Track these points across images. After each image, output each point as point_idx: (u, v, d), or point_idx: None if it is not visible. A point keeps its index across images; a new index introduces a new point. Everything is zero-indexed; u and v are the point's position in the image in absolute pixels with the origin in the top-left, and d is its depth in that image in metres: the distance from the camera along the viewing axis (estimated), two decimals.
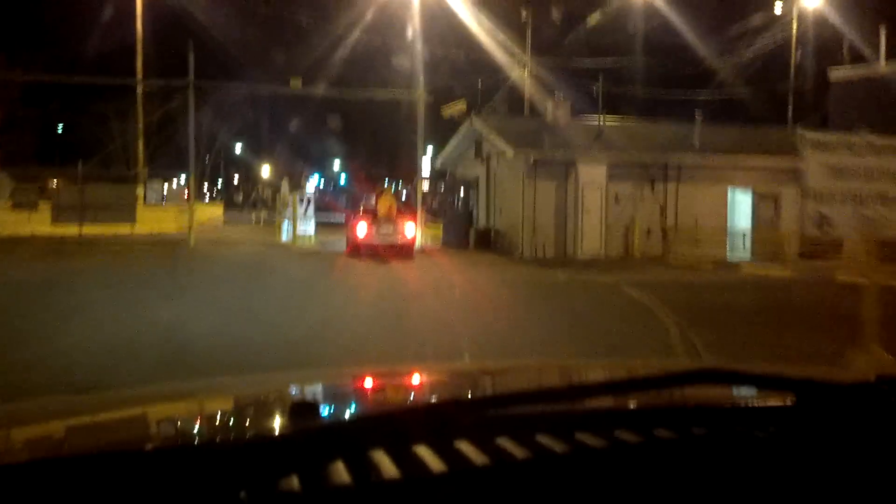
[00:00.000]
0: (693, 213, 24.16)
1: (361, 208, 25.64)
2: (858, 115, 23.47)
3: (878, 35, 28.58)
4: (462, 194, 28.47)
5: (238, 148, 66.56)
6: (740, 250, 23.89)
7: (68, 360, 8.03)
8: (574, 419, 1.23)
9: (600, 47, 36.50)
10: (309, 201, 27.80)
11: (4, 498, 0.93)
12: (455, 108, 26.88)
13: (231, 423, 1.66)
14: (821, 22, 35.06)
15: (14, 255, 20.95)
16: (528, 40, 34.85)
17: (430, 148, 33.50)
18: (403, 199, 44.09)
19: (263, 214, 43.57)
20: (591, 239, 23.47)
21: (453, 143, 28.43)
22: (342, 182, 71.25)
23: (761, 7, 36.29)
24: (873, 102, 23.31)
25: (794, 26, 36.16)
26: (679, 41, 34.56)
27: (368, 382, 2.04)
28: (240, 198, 67.89)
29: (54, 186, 27.97)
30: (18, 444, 1.41)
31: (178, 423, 1.65)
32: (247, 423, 1.64)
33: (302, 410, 1.31)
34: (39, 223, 27.24)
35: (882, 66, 24.41)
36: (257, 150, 63.63)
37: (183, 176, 41.52)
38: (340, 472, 1.00)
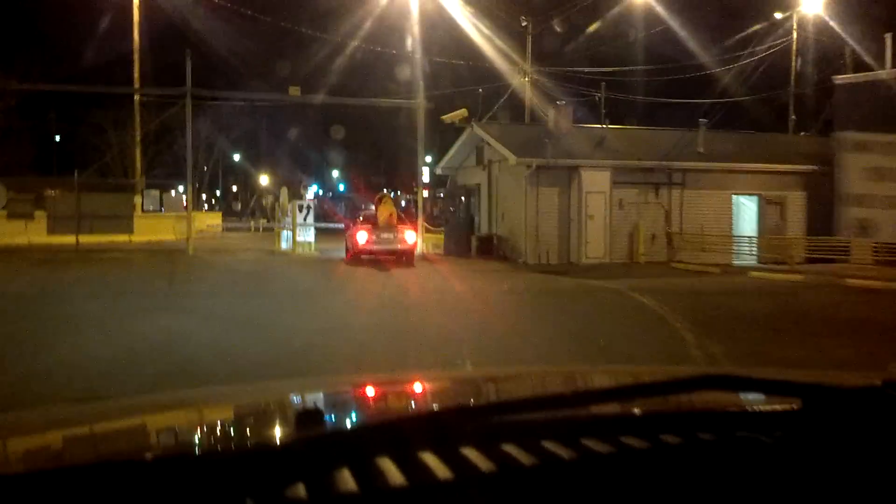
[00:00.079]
0: (698, 218, 24.03)
1: (361, 216, 25.43)
2: (864, 120, 23.21)
3: (878, 41, 28.47)
4: (463, 201, 28.29)
5: (237, 157, 66.45)
6: (746, 255, 23.70)
7: (67, 371, 7.76)
8: (580, 425, 1.22)
9: (601, 55, 36.35)
10: (309, 209, 27.59)
11: None
12: (456, 115, 26.63)
13: (236, 432, 1.66)
14: (822, 28, 34.92)
15: (9, 265, 20.66)
16: (529, 48, 34.66)
17: (428, 157, 33.21)
18: (403, 206, 43.90)
19: (262, 222, 43.38)
20: (595, 245, 23.26)
21: (454, 150, 28.23)
22: (341, 190, 71.16)
23: (762, 14, 36.16)
24: (879, 108, 23.04)
25: (794, 33, 36.02)
26: (679, 48, 34.41)
27: (373, 390, 2.05)
28: (238, 206, 67.76)
29: (50, 196, 27.58)
30: (24, 455, 1.41)
31: (184, 431, 1.65)
32: (252, 431, 1.64)
33: (307, 418, 1.30)
34: (36, 233, 27.00)
35: (888, 71, 24.13)
36: (256, 158, 63.54)
37: (181, 185, 41.22)
38: (346, 479, 1.00)
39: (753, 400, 1.53)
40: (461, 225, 27.36)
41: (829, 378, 1.87)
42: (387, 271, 20.69)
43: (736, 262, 23.04)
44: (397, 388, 2.10)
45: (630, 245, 23.84)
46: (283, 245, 28.29)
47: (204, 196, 66.84)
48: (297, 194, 34.54)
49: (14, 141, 44.08)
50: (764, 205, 25.04)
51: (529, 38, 34.47)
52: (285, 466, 1.02)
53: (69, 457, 1.38)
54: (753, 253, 23.78)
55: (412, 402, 2.00)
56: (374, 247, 22.63)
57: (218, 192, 75.75)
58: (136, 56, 33.58)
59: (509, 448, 1.11)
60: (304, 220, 27.34)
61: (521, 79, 33.88)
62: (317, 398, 1.94)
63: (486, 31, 31.52)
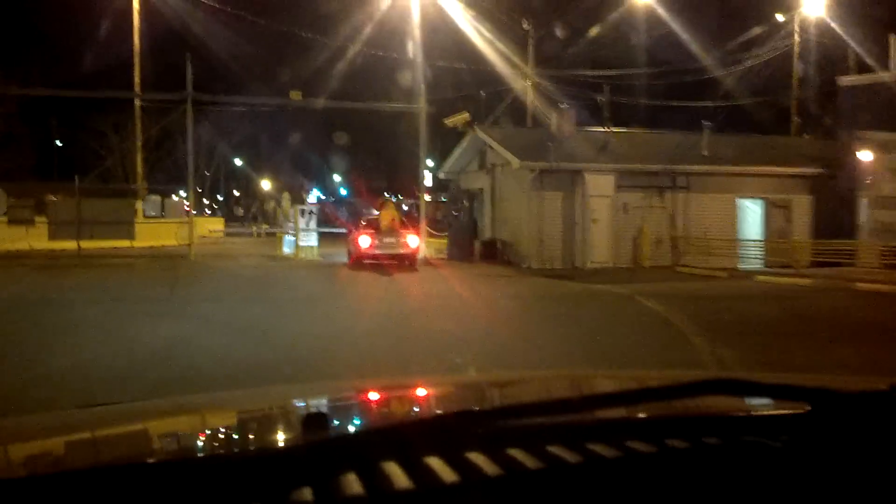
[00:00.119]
0: (703, 222, 23.90)
1: (364, 220, 25.29)
2: (869, 122, 23.08)
3: (880, 43, 28.33)
4: (466, 206, 28.15)
5: (238, 161, 66.35)
6: (751, 259, 23.55)
7: (66, 378, 7.63)
8: (585, 429, 1.21)
9: (603, 59, 36.18)
10: (311, 213, 27.45)
11: None
12: (458, 118, 26.50)
13: (243, 436, 1.66)
14: (824, 31, 34.78)
15: (10, 270, 20.51)
16: (531, 51, 34.53)
17: (429, 161, 33.07)
18: (405, 210, 43.75)
19: (264, 227, 43.29)
20: (599, 249, 23.10)
21: (457, 154, 28.12)
22: (343, 194, 71.03)
23: (764, 17, 36.02)
24: (884, 109, 22.91)
25: (796, 35, 35.88)
26: (681, 51, 34.26)
27: (379, 394, 2.06)
28: (240, 211, 67.64)
29: (51, 202, 27.44)
30: (36, 458, 1.41)
31: (191, 436, 1.65)
32: (259, 436, 1.64)
33: (313, 423, 1.28)
34: (37, 239, 26.83)
35: (893, 73, 23.99)
36: (258, 163, 63.44)
37: (183, 190, 41.11)
38: (353, 483, 1.00)
39: (759, 404, 1.55)
40: (464, 229, 27.21)
41: (835, 382, 1.86)
42: (390, 276, 20.54)
43: (741, 266, 22.89)
44: (402, 393, 2.10)
45: (634, 249, 23.69)
46: (286, 250, 28.16)
47: (206, 201, 66.81)
48: (299, 199, 34.40)
49: (15, 146, 44.04)
50: (769, 208, 24.89)
51: (531, 42, 34.34)
52: (292, 471, 1.02)
53: (77, 461, 1.39)
54: (759, 257, 23.64)
55: (418, 407, 1.99)
56: (377, 251, 22.57)
57: (220, 197, 75.77)
58: (136, 61, 33.47)
59: (515, 452, 1.11)
60: (307, 224, 27.21)
61: (523, 82, 33.74)
62: (323, 403, 1.95)
63: (488, 35, 31.40)
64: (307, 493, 0.98)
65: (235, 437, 1.65)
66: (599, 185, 23.07)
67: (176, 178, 44.48)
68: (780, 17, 35.86)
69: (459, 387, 2.31)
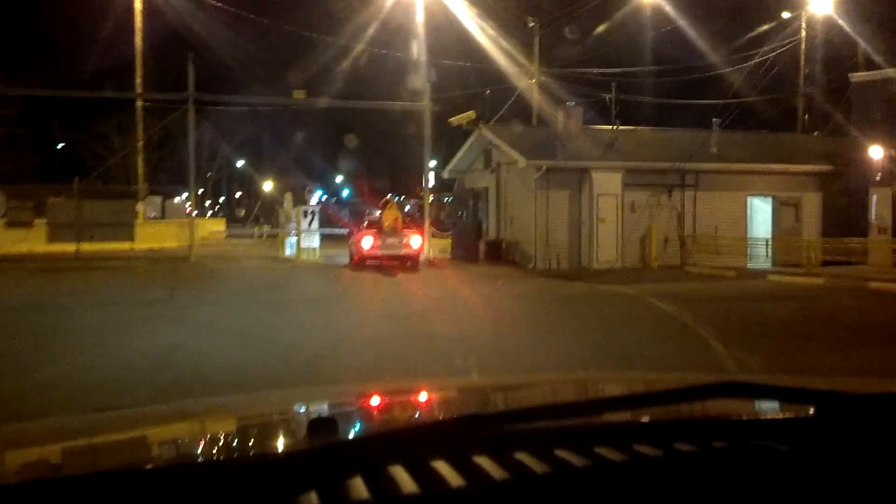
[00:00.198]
0: (712, 221, 23.55)
1: (366, 221, 24.97)
2: (882, 118, 22.72)
3: (887, 40, 27.95)
4: (471, 205, 27.84)
5: (240, 163, 66.09)
6: (760, 259, 23.20)
7: (62, 388, 7.30)
8: (593, 433, 1.21)
9: (609, 57, 35.83)
10: (313, 214, 27.13)
11: None
12: (464, 117, 26.13)
13: (250, 440, 1.65)
14: (831, 28, 34.40)
15: (6, 273, 20.21)
16: (537, 50, 34.18)
17: (433, 161, 32.68)
18: (407, 211, 43.44)
19: (266, 229, 43.04)
20: (606, 249, 22.73)
21: (461, 153, 27.77)
22: (345, 195, 70.76)
23: (771, 14, 35.63)
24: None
25: (803, 31, 35.51)
26: (687, 49, 33.91)
27: (385, 398, 2.05)
28: (242, 212, 67.43)
29: (51, 203, 27.18)
30: (43, 463, 1.41)
31: (197, 440, 1.64)
32: (265, 440, 1.63)
33: (320, 426, 1.27)
34: (36, 241, 26.61)
35: None
36: (260, 164, 63.18)
37: (185, 192, 40.82)
38: (359, 487, 1.00)
39: (768, 407, 1.54)
40: (469, 229, 26.87)
41: (843, 385, 1.85)
42: (393, 277, 20.24)
43: (750, 266, 22.56)
44: (408, 397, 2.10)
45: (642, 249, 23.34)
46: (288, 251, 27.88)
47: (208, 202, 66.60)
48: (301, 200, 34.09)
49: (17, 148, 43.90)
50: (779, 206, 24.52)
51: (537, 40, 33.98)
52: (298, 475, 1.01)
53: (86, 466, 1.39)
54: (768, 256, 23.28)
55: (424, 411, 1.98)
56: (380, 252, 22.33)
57: (222, 199, 75.55)
58: (138, 62, 33.21)
59: (522, 456, 1.11)
60: (309, 225, 26.91)
61: (528, 81, 33.38)
62: (329, 407, 1.94)
63: (492, 33, 31.07)
64: (314, 497, 0.98)
65: (242, 441, 1.63)
66: (606, 183, 22.71)
67: (178, 180, 44.24)
68: (786, 15, 35.47)
69: (466, 390, 2.29)
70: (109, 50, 35.84)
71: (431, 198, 29.74)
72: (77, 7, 48.77)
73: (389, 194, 33.74)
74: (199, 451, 1.52)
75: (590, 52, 35.80)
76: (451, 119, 26.56)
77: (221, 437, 1.67)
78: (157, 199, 38.07)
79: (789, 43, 35.16)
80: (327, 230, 29.35)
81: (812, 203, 24.51)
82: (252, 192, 69.12)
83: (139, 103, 34.11)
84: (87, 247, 25.22)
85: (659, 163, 23.28)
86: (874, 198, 22.53)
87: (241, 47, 41.87)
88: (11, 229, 27.46)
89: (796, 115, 35.47)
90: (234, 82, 44.65)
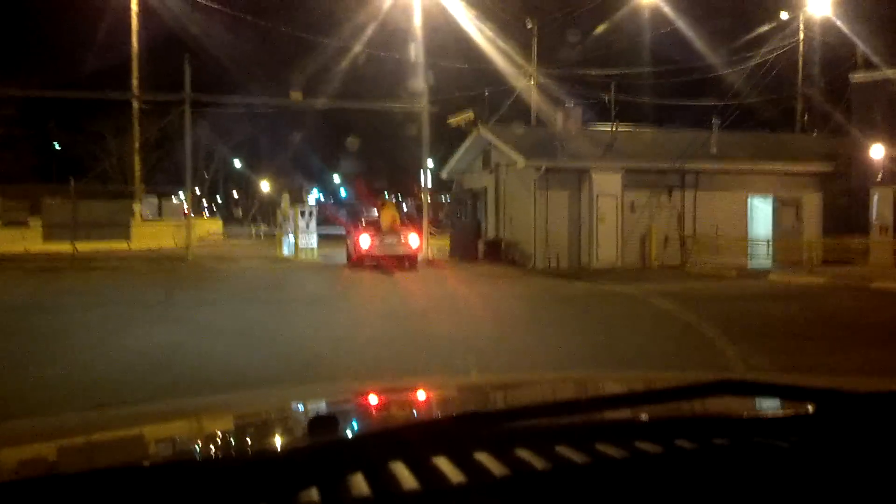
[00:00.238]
0: (712, 220, 23.44)
1: (364, 221, 24.84)
2: (882, 118, 22.63)
3: (885, 41, 27.87)
4: (469, 205, 27.73)
5: (238, 163, 65.92)
6: (761, 258, 23.09)
7: (55, 390, 7.15)
8: (593, 430, 1.21)
9: (607, 57, 35.72)
10: (311, 214, 26.99)
11: None
12: (462, 117, 26.02)
13: (251, 437, 1.64)
14: (829, 29, 34.31)
15: (2, 273, 20.05)
16: (535, 50, 34.05)
17: (430, 161, 32.54)
18: (405, 210, 43.33)
19: (264, 228, 42.90)
20: (606, 248, 22.62)
21: (460, 153, 27.64)
22: (343, 195, 70.64)
23: (771, 15, 35.53)
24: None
25: (801, 33, 35.43)
26: (686, 50, 33.80)
27: (386, 396, 2.05)
28: (239, 213, 67.27)
29: (46, 203, 27.07)
30: (43, 460, 1.41)
31: (198, 438, 1.63)
32: (266, 437, 1.63)
33: (321, 424, 1.27)
34: (32, 241, 26.48)
35: None
36: (257, 164, 62.98)
37: (182, 192, 40.66)
38: (360, 484, 1.00)
39: (767, 405, 1.54)
40: (468, 229, 26.76)
41: (844, 383, 1.84)
42: (392, 277, 20.11)
43: (751, 266, 22.45)
44: (409, 394, 2.09)
45: (642, 249, 23.23)
46: (285, 251, 27.74)
47: (205, 203, 66.41)
48: (298, 200, 33.95)
49: (14, 149, 43.76)
50: (779, 206, 24.42)
51: (535, 41, 33.86)
52: (299, 471, 1.01)
53: (88, 462, 1.38)
54: (769, 256, 23.18)
55: (425, 408, 1.97)
56: (377, 251, 22.24)
57: (219, 199, 75.33)
58: (134, 63, 33.06)
59: (523, 453, 1.10)
60: (307, 225, 26.77)
61: (526, 81, 33.25)
62: (330, 404, 1.93)
63: (491, 34, 30.92)
64: (315, 493, 0.97)
65: (244, 438, 1.63)
66: (606, 183, 22.60)
67: (175, 180, 44.05)
68: (784, 16, 35.37)
69: (466, 388, 2.28)
70: (106, 51, 35.52)
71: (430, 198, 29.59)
72: (74, 8, 48.63)
73: (386, 194, 33.56)
74: (200, 449, 1.51)
75: (588, 53, 35.68)
76: (450, 119, 26.46)
77: (223, 435, 1.66)
78: (154, 200, 37.88)
79: (788, 45, 35.08)
80: (325, 230, 29.22)
81: (812, 203, 24.42)
82: (250, 192, 68.92)
83: (136, 104, 33.97)
84: (84, 247, 25.07)
85: (659, 163, 23.15)
86: (875, 197, 22.43)
87: (239, 48, 41.70)
88: (7, 229, 27.33)
89: (797, 116, 35.36)
90: (231, 83, 44.52)
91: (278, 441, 1.53)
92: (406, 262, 22.47)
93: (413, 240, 22.90)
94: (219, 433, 1.67)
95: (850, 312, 13.22)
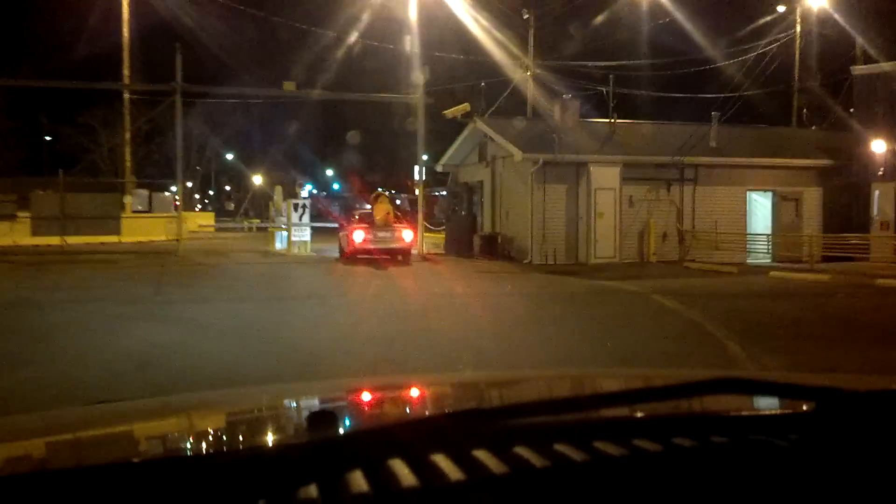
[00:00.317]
0: (711, 215, 23.20)
1: (357, 215, 24.50)
2: (884, 111, 22.34)
3: (883, 34, 27.64)
4: (465, 199, 27.37)
5: (230, 156, 65.39)
6: (760, 254, 22.82)
7: (32, 392, 6.79)
8: (592, 428, 1.20)
9: (604, 49, 35.36)
10: (304, 208, 26.60)
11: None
12: (458, 109, 25.59)
13: (249, 434, 1.65)
14: (829, 22, 34.03)
15: None
16: (531, 42, 33.66)
17: (424, 156, 32.14)
18: (398, 204, 42.94)
19: (256, 222, 42.49)
20: (604, 243, 22.29)
21: (455, 146, 27.28)
22: (335, 189, 70.19)
23: (769, 8, 35.22)
24: None
25: (798, 26, 35.13)
26: (684, 42, 33.47)
27: (385, 393, 2.04)
28: (232, 206, 66.81)
29: (35, 196, 26.66)
30: (41, 455, 1.40)
31: (198, 433, 1.63)
32: (265, 434, 1.63)
33: (320, 420, 1.27)
34: (21, 234, 26.08)
35: None
36: (249, 157, 62.46)
37: (174, 185, 40.25)
38: (359, 481, 0.99)
39: (766, 403, 1.54)
40: (463, 224, 26.40)
41: (843, 382, 1.84)
42: (386, 272, 19.77)
43: (750, 261, 22.19)
44: (408, 391, 2.08)
45: (640, 244, 22.94)
46: (278, 245, 27.35)
47: (197, 196, 65.89)
48: (291, 193, 33.54)
49: (2, 141, 43.27)
50: (779, 201, 24.15)
51: (532, 32, 33.47)
52: (298, 468, 1.01)
53: (88, 457, 1.36)
54: (768, 251, 22.91)
55: (424, 405, 1.97)
56: (371, 246, 21.95)
57: (211, 192, 74.77)
58: (125, 53, 32.60)
59: (521, 450, 1.10)
60: (300, 219, 26.37)
61: (523, 73, 32.85)
62: (329, 401, 1.92)
63: (487, 25, 30.52)
64: (313, 490, 0.97)
65: (242, 434, 1.63)
66: (604, 177, 22.26)
67: (166, 173, 43.64)
68: (782, 9, 35.07)
69: (465, 385, 2.28)
70: (97, 41, 35.11)
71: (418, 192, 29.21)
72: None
73: (379, 188, 33.15)
74: (199, 445, 1.51)
75: (586, 45, 35.31)
76: (446, 111, 26.02)
77: (223, 431, 1.65)
78: (144, 192, 37.43)
79: (785, 37, 34.77)
80: (318, 224, 28.85)
81: (812, 198, 24.16)
82: (242, 185, 68.39)
83: (126, 95, 33.53)
84: (73, 240, 24.74)
85: (658, 157, 22.84)
86: (876, 193, 22.17)
87: (231, 38, 41.18)
88: None
89: (794, 110, 35.08)
90: (224, 74, 43.97)
91: (277, 437, 1.53)
92: (399, 256, 22.20)
93: (406, 234, 22.64)
94: (219, 429, 1.66)
95: (861, 311, 12.82)
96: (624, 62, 34.70)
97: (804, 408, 1.32)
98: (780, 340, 9.46)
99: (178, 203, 30.46)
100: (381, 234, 22.18)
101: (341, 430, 1.32)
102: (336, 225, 28.22)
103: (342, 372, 7.63)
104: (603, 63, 33.24)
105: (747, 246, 23.18)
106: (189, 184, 52.15)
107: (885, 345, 9.24)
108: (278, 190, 30.36)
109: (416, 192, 29.41)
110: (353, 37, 29.98)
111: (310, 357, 8.59)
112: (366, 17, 28.53)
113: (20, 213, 27.26)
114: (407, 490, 0.99)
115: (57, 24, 49.27)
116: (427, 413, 1.80)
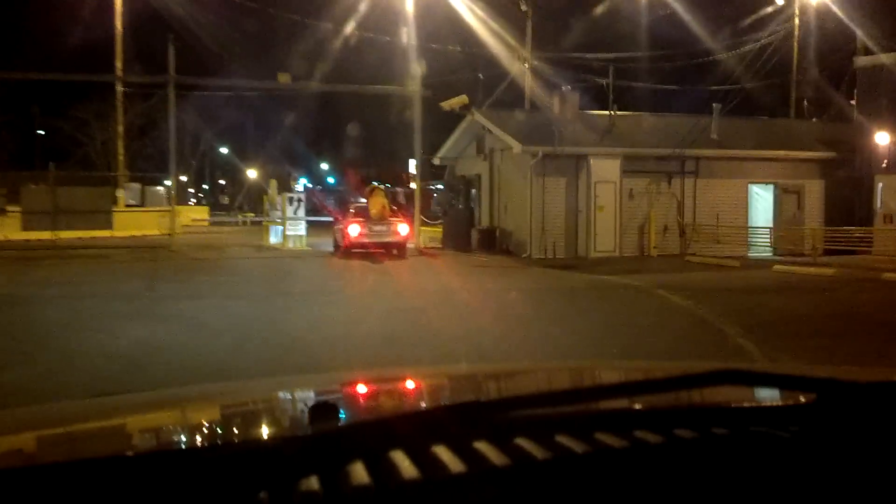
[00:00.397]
0: (712, 208, 22.91)
1: (352, 209, 24.17)
2: (887, 103, 22.06)
3: (882, 26, 27.42)
4: (462, 193, 27.03)
5: (224, 150, 65.00)
6: (761, 247, 22.54)
7: (16, 397, 6.43)
8: (593, 420, 1.21)
9: (604, 41, 35.01)
10: (299, 202, 26.24)
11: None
12: (456, 101, 25.21)
13: (251, 425, 1.65)
14: (828, 14, 33.73)
15: None
16: (529, 34, 33.27)
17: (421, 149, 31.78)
18: (393, 198, 42.60)
19: (250, 216, 42.15)
20: (604, 237, 21.99)
21: (453, 138, 26.92)
22: (330, 182, 69.84)
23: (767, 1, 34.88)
24: None
25: (797, 18, 34.85)
26: (684, 33, 33.14)
27: (386, 385, 2.05)
28: (226, 200, 66.42)
29: (25, 190, 26.32)
30: (42, 448, 1.39)
31: (198, 425, 1.62)
32: (267, 425, 1.63)
33: (320, 412, 1.26)
34: (11, 229, 25.72)
35: None
36: (244, 151, 62.09)
37: (167, 179, 39.89)
38: (360, 472, 0.99)
39: (768, 395, 1.52)
40: (461, 217, 26.05)
41: (844, 373, 1.83)
42: (382, 266, 19.46)
43: (752, 255, 21.91)
44: (409, 384, 2.07)
45: (641, 237, 22.63)
46: (273, 239, 26.98)
47: (191, 190, 65.49)
48: (286, 187, 33.16)
49: None
50: (780, 194, 23.86)
51: (530, 24, 33.08)
52: (299, 460, 1.00)
53: (89, 450, 1.35)
54: (769, 245, 22.63)
55: (425, 397, 1.96)
56: (366, 240, 21.74)
57: (205, 186, 74.35)
58: (118, 45, 32.17)
59: (522, 442, 1.10)
60: (295, 213, 26.02)
61: (521, 65, 32.48)
62: (329, 392, 1.91)
63: (484, 16, 30.11)
64: (314, 481, 0.97)
65: (243, 427, 1.61)
66: (604, 170, 21.94)
67: (160, 167, 43.24)
68: (780, 1, 34.74)
69: (466, 377, 2.28)
70: (90, 33, 34.75)
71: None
72: None
73: (375, 181, 32.80)
74: (200, 437, 1.50)
75: (585, 37, 34.95)
76: (443, 103, 25.65)
77: (224, 423, 1.65)
78: (137, 186, 37.05)
79: (783, 31, 34.46)
80: (313, 218, 28.52)
81: (814, 191, 23.89)
82: (236, 179, 68.01)
83: (119, 87, 33.13)
84: (65, 234, 24.37)
85: (658, 149, 22.51)
86: (879, 185, 21.89)
87: (226, 30, 40.73)
88: None
89: (796, 102, 34.79)
90: (218, 67, 43.52)
91: (278, 429, 1.52)
92: (394, 250, 21.95)
93: (402, 228, 22.40)
94: (220, 422, 1.66)
95: (872, 306, 12.49)
96: (623, 54, 34.36)
97: (805, 399, 1.31)
98: (792, 337, 9.16)
99: (171, 197, 30.10)
100: (376, 228, 21.95)
101: (342, 422, 1.31)
102: (331, 219, 27.91)
103: (338, 369, 7.31)
104: (602, 55, 32.89)
105: (749, 239, 22.89)
106: (183, 178, 51.71)
107: None
108: (273, 183, 29.99)
109: (413, 185, 29.07)
110: (348, 28, 29.57)
111: (304, 355, 8.31)
112: (362, 8, 28.11)
113: (10, 208, 26.94)
114: (408, 482, 0.98)
115: (49, 16, 48.84)
116: (428, 405, 1.79)
